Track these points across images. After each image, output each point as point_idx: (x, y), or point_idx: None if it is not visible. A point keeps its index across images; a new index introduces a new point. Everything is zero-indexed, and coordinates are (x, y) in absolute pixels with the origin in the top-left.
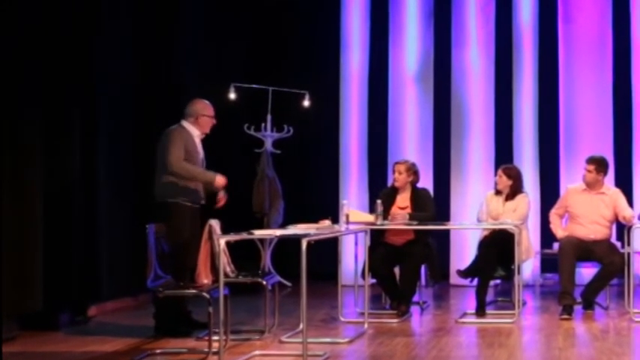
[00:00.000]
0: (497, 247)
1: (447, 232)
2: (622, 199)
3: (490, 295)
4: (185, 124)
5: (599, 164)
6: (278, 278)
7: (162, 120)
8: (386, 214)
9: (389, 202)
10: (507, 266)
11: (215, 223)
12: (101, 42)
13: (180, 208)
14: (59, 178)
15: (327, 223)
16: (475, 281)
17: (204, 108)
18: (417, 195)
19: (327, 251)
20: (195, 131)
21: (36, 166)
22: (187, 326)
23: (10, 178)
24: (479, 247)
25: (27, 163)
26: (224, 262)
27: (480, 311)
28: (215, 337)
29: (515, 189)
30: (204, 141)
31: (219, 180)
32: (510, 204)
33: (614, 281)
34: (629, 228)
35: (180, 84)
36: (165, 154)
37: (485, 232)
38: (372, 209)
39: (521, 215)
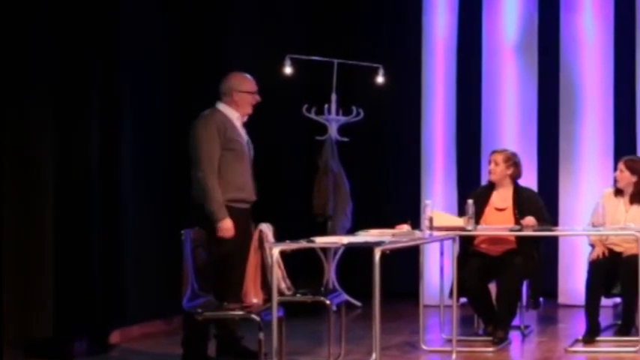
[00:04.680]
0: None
1: (553, 241)
2: None
3: (608, 318)
4: (221, 105)
5: None
6: (345, 297)
7: (201, 98)
8: (479, 217)
9: (482, 202)
10: None
11: (267, 229)
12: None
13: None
14: (73, 172)
15: (405, 228)
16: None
17: (240, 82)
18: (522, 195)
19: (405, 263)
20: (233, 113)
21: (45, 156)
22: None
23: (14, 173)
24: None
25: (34, 152)
26: (278, 276)
27: (590, 336)
28: None
29: None
30: (252, 127)
31: (225, 225)
32: (635, 207)
33: None
34: None
35: (225, 54)
36: (195, 147)
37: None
38: (461, 211)
39: None
